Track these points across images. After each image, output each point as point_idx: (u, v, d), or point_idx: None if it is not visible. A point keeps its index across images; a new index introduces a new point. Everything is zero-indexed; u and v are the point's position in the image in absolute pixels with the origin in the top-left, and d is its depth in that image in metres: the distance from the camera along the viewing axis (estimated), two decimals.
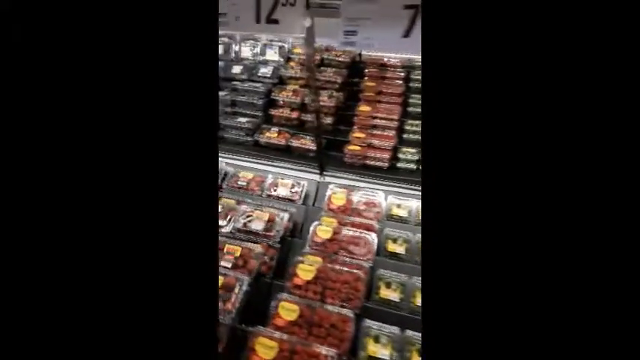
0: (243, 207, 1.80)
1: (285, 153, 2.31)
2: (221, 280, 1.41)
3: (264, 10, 1.07)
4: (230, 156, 2.30)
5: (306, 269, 1.49)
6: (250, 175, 2.09)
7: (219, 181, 2.09)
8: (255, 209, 1.79)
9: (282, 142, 2.29)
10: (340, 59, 2.50)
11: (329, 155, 2.18)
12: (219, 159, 2.26)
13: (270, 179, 2.05)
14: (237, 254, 1.53)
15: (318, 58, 2.55)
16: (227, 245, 1.56)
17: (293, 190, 1.99)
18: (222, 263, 1.52)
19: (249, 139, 2.34)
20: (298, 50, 2.58)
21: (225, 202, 1.88)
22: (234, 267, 1.51)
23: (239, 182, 2.06)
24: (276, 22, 1.06)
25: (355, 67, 2.57)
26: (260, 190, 2.04)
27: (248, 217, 1.77)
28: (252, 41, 2.74)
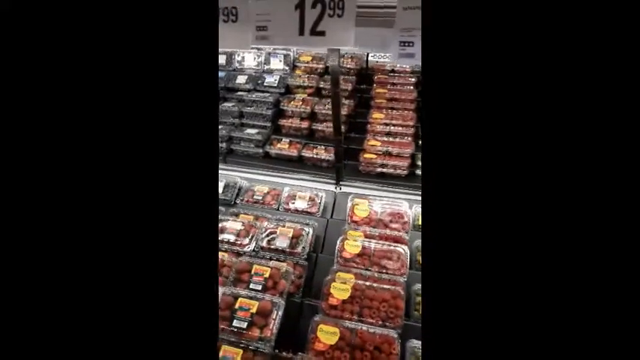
0: (265, 223, 1.73)
1: (296, 164, 2.25)
2: (255, 305, 1.33)
3: (308, 22, 1.01)
4: (240, 169, 2.22)
5: (340, 288, 1.42)
6: (266, 189, 2.01)
7: (234, 196, 2.00)
8: (277, 225, 1.72)
9: (295, 152, 2.22)
10: (349, 66, 2.48)
11: (344, 165, 2.14)
12: (231, 172, 2.18)
13: (286, 192, 1.99)
14: (267, 275, 1.46)
15: (322, 66, 2.52)
16: (255, 266, 1.49)
17: (311, 203, 1.93)
18: (252, 286, 1.44)
19: (259, 150, 2.27)
20: (306, 58, 2.53)
21: (244, 218, 1.81)
22: (265, 289, 1.43)
23: (255, 196, 1.98)
24: (322, 34, 1.00)
25: (363, 75, 2.55)
26: (277, 204, 1.97)
27: (271, 234, 1.70)
28: (255, 50, 2.68)
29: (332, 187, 2.07)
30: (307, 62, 2.52)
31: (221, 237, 1.67)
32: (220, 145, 2.30)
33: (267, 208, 1.93)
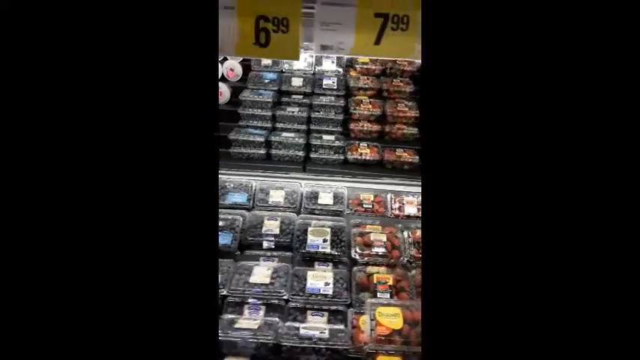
0: (405, 233, 1.70)
1: (375, 168, 2.22)
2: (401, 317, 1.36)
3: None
4: (321, 177, 2.11)
5: None
6: (371, 196, 1.99)
7: (345, 206, 1.93)
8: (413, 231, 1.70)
9: (376, 156, 2.23)
10: (405, 69, 2.53)
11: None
12: (313, 181, 2.08)
13: (389, 198, 1.99)
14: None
15: (380, 67, 2.52)
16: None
17: (419, 207, 1.98)
18: (379, 295, 1.46)
19: (340, 157, 2.19)
20: (364, 59, 2.49)
21: (373, 228, 1.75)
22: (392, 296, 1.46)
23: (364, 205, 1.96)
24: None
25: (415, 77, 2.57)
26: (385, 211, 1.98)
27: (415, 242, 1.69)
28: (302, 50, 2.53)
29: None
30: (365, 64, 2.50)
31: (373, 250, 1.64)
32: (297, 153, 2.17)
33: (378, 217, 1.90)
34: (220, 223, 1.63)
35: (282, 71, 2.49)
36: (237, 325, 1.27)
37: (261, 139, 2.18)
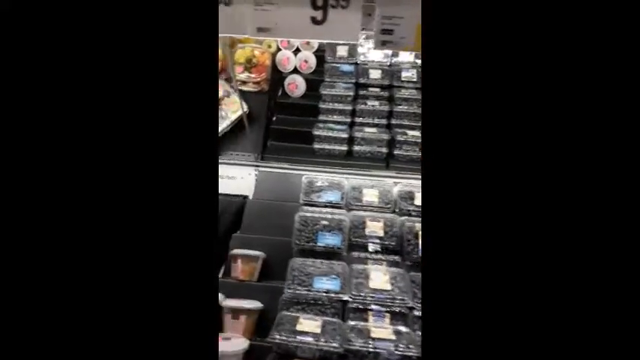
0: None
1: None
2: None
3: None
4: (401, 175, 1.99)
5: None
6: None
7: None
8: None
9: None
10: None
11: None
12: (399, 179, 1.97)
13: None
14: None
15: None
16: None
17: None
18: None
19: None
20: None
21: None
22: None
23: None
24: None
25: None
26: None
27: None
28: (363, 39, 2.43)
29: None
30: None
31: None
32: (380, 149, 2.09)
33: None
34: (326, 223, 1.58)
35: (356, 63, 2.41)
36: (373, 335, 1.22)
37: (345, 135, 2.10)
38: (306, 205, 1.78)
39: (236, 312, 1.30)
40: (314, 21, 1.01)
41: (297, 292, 1.38)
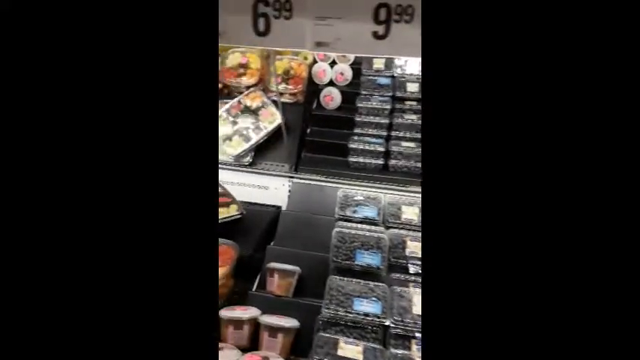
0: None
1: None
2: None
3: None
4: None
5: None
6: None
7: None
8: None
9: None
10: None
11: None
12: None
13: None
14: None
15: None
16: None
17: None
18: None
19: None
20: None
21: None
22: None
23: None
24: None
25: None
26: None
27: None
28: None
29: None
30: None
31: None
32: (417, 164, 2.02)
33: None
34: (364, 240, 1.52)
35: (393, 76, 2.38)
36: None
37: (381, 149, 2.06)
38: (341, 219, 1.76)
39: (274, 330, 1.26)
40: (376, 36, 0.98)
41: (336, 312, 1.34)
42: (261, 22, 0.99)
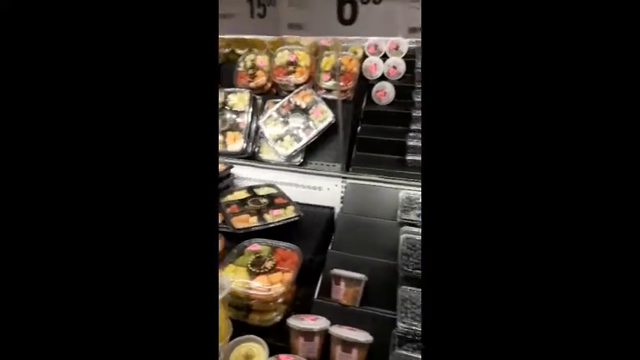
0: None
1: None
2: None
3: None
4: None
5: None
6: None
7: None
8: None
9: None
10: None
11: None
12: None
13: None
14: None
15: None
16: None
17: None
18: None
19: None
20: None
21: None
22: None
23: None
24: None
25: None
26: None
27: None
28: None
29: None
30: None
31: None
32: None
33: None
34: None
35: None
36: None
37: None
38: (405, 224, 1.65)
39: (347, 345, 1.18)
40: None
41: (412, 327, 1.23)
42: (347, 9, 0.91)
